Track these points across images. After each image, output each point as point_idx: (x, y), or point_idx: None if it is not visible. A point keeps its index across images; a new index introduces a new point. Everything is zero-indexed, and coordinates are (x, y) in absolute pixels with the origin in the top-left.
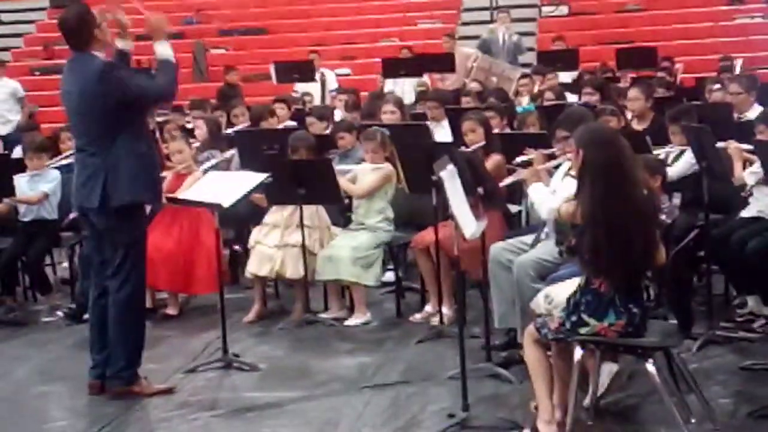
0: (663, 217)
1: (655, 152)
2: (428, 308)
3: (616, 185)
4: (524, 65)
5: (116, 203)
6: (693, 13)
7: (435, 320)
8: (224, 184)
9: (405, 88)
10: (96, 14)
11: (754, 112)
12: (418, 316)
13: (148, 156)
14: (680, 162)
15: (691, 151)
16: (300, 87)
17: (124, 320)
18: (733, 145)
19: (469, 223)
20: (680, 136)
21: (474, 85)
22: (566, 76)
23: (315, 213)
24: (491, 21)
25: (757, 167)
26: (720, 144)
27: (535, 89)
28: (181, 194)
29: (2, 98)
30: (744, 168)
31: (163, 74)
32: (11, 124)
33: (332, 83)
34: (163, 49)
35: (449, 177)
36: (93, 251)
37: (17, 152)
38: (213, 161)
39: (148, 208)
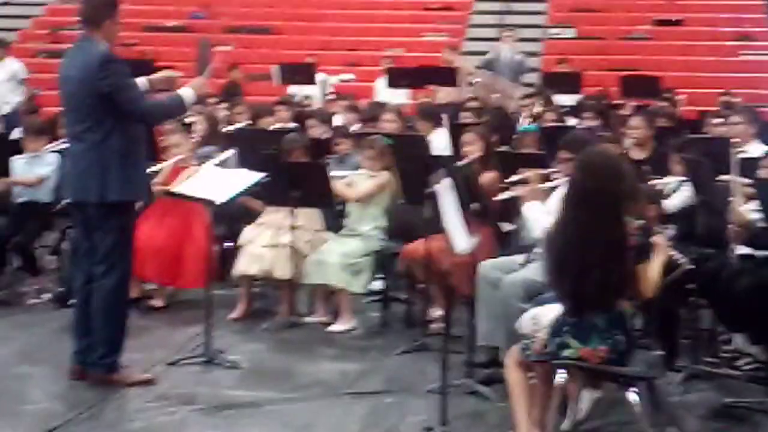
0: (681, 258)
1: (653, 182)
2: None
3: (593, 214)
4: (527, 85)
5: (110, 200)
6: (699, 46)
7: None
8: (219, 181)
9: (400, 98)
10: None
11: (755, 148)
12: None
13: (139, 153)
14: (679, 194)
15: (690, 183)
16: (294, 89)
17: (108, 308)
18: (736, 180)
19: (460, 238)
20: (680, 166)
21: (474, 103)
22: (568, 100)
23: (309, 215)
24: (497, 38)
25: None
26: (724, 177)
27: (535, 110)
28: (176, 188)
29: (3, 79)
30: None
31: (165, 104)
32: (11, 105)
33: (329, 88)
34: (186, 92)
35: (444, 191)
36: (81, 237)
37: (15, 134)
38: (214, 161)
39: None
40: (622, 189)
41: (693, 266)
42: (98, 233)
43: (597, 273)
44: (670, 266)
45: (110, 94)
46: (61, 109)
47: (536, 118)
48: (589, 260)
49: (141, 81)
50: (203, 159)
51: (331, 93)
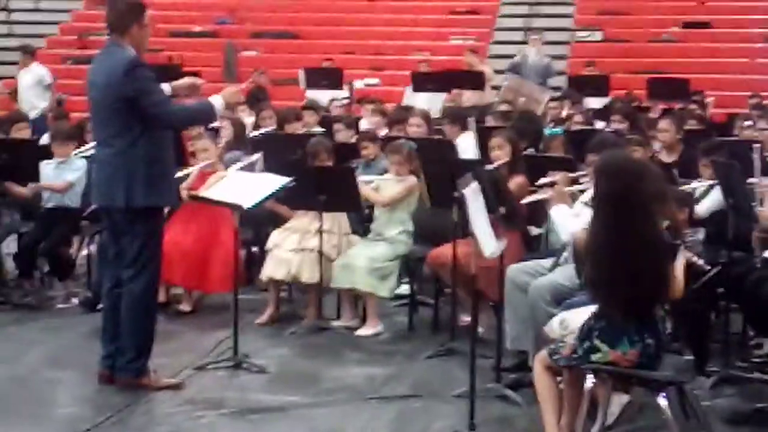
0: (699, 261)
1: (682, 186)
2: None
3: (623, 218)
4: (554, 88)
5: (136, 206)
6: (728, 48)
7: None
8: (246, 186)
9: (428, 102)
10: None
11: None
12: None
13: (166, 159)
14: (709, 198)
15: (720, 187)
16: (312, 94)
17: (137, 312)
18: (765, 183)
19: (488, 242)
20: (710, 170)
21: (501, 107)
22: (595, 103)
23: (335, 219)
24: (524, 42)
25: None
26: (752, 180)
27: (564, 113)
28: (203, 192)
29: (30, 84)
30: None
31: (192, 109)
32: (38, 110)
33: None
34: (217, 100)
35: (472, 195)
36: (110, 242)
37: (44, 139)
38: (240, 164)
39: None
40: (645, 190)
41: (709, 268)
42: (126, 238)
43: (630, 278)
44: (690, 268)
45: (136, 99)
46: (88, 114)
47: (564, 121)
48: (622, 265)
49: (165, 87)
50: (230, 164)
51: (345, 99)
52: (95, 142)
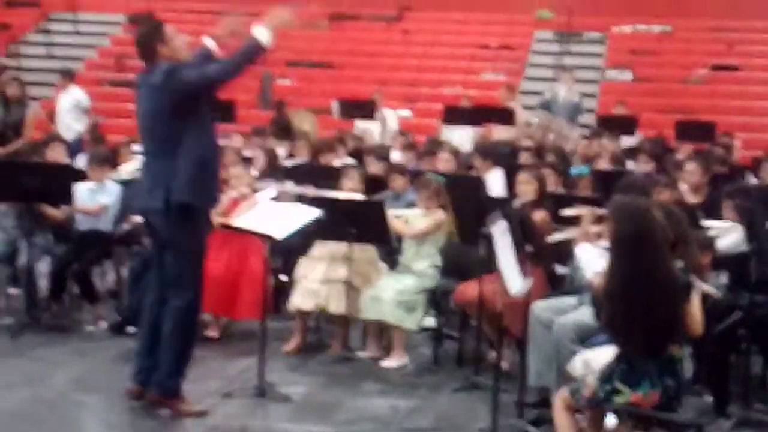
0: (712, 289)
1: (705, 226)
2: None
3: (639, 259)
4: (583, 126)
5: (175, 201)
6: (757, 91)
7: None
8: (278, 215)
9: (463, 136)
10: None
11: None
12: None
13: (209, 159)
14: (729, 237)
15: (743, 230)
16: (360, 125)
17: (177, 330)
18: None
19: (515, 279)
20: (733, 213)
21: (529, 143)
22: (626, 141)
23: (361, 248)
24: (554, 78)
25: None
26: None
27: (595, 148)
28: (235, 221)
29: (67, 108)
30: None
31: (237, 54)
32: (74, 132)
33: (393, 124)
34: (259, 31)
35: (500, 233)
36: (155, 257)
37: (80, 161)
38: (272, 191)
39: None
40: (656, 232)
41: (720, 295)
42: (168, 251)
43: (645, 318)
44: (706, 301)
45: (183, 95)
46: (124, 138)
47: (592, 158)
48: (636, 306)
49: (208, 42)
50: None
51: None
52: (143, 155)
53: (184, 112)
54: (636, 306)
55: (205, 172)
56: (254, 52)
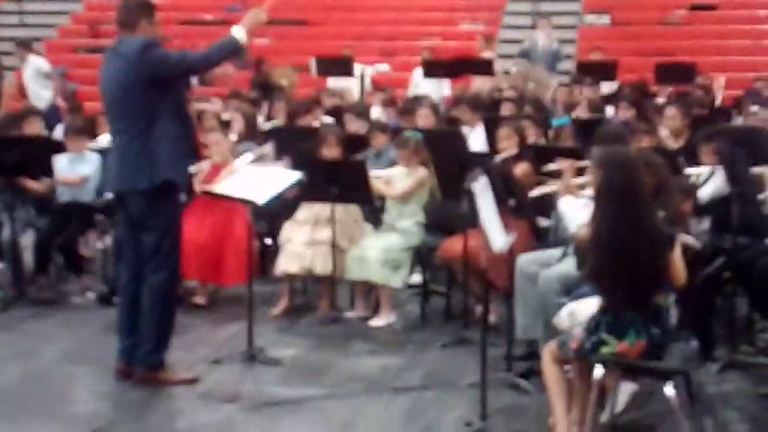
0: (692, 239)
1: (685, 172)
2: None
3: (626, 209)
4: (562, 73)
5: (160, 179)
6: (735, 30)
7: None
8: (259, 180)
9: (434, 88)
10: None
11: None
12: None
13: (184, 140)
14: (711, 184)
15: (724, 174)
16: (334, 83)
17: (157, 305)
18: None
19: (498, 235)
20: (712, 157)
21: (510, 93)
22: (604, 88)
23: (345, 208)
24: (533, 26)
25: None
26: (756, 169)
27: (576, 95)
28: (216, 187)
29: (31, 76)
30: None
31: (215, 49)
32: (45, 100)
33: (368, 80)
34: (237, 30)
35: (481, 189)
36: (126, 234)
37: (58, 131)
38: (251, 155)
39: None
40: (644, 182)
41: (701, 246)
42: (144, 230)
43: (630, 269)
44: (688, 252)
45: (156, 75)
46: (101, 108)
47: (571, 107)
48: (621, 257)
49: (238, 32)
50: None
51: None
52: (112, 133)
53: (159, 89)
54: (621, 256)
55: (183, 148)
56: (231, 50)
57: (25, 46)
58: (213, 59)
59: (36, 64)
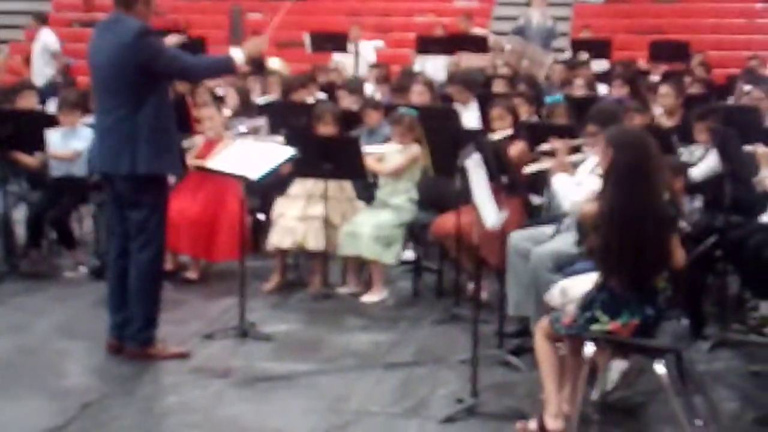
0: (684, 224)
1: (679, 152)
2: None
3: (638, 189)
4: (557, 50)
5: (142, 172)
6: (729, 8)
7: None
8: (253, 155)
9: (437, 66)
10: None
11: None
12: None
13: (170, 130)
14: (704, 163)
15: (716, 152)
16: (337, 58)
17: (144, 282)
18: (761, 150)
19: (490, 212)
20: (705, 135)
21: (505, 70)
22: (597, 66)
23: (338, 185)
24: (527, 3)
25: None
26: (748, 148)
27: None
28: (209, 163)
29: (39, 52)
30: None
31: (210, 61)
32: (46, 77)
33: (369, 56)
34: (236, 53)
35: (474, 166)
36: (113, 212)
37: (51, 106)
38: (242, 128)
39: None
40: (656, 162)
41: (690, 228)
42: (131, 208)
43: (636, 249)
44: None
45: (148, 66)
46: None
47: (565, 84)
48: (629, 237)
49: (236, 54)
50: (236, 132)
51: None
52: (97, 112)
53: (146, 77)
54: (629, 236)
55: (167, 141)
56: (224, 70)
57: (41, 19)
58: (203, 72)
59: (45, 40)
